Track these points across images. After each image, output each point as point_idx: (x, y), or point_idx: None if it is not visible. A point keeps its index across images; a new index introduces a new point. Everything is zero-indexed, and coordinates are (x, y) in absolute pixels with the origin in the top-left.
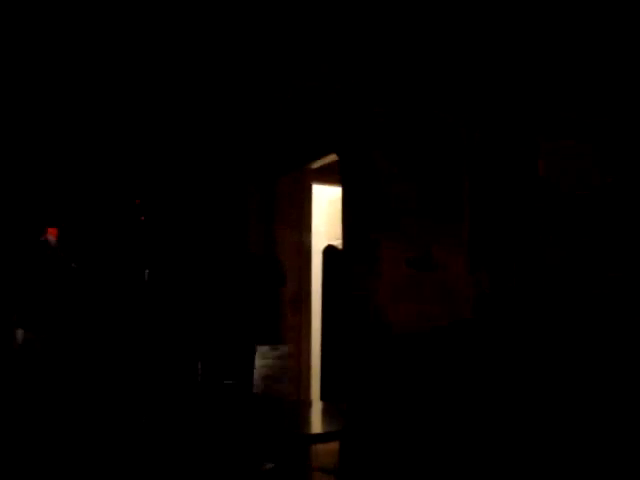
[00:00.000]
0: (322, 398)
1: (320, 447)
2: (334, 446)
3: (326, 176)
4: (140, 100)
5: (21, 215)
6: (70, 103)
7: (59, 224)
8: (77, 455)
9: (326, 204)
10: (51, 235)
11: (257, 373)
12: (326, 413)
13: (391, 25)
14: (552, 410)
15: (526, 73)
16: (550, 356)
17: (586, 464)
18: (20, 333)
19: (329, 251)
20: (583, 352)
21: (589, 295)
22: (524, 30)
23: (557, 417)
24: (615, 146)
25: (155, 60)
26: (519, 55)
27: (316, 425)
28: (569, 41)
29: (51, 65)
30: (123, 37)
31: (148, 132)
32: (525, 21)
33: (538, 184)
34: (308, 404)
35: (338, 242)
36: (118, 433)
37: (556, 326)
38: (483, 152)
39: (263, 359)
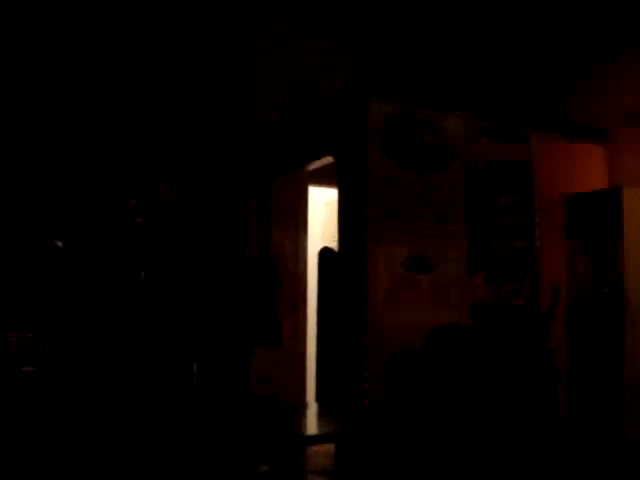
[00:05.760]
0: (317, 400)
1: (316, 449)
2: (329, 448)
3: (322, 178)
4: (136, 101)
5: (17, 218)
6: (66, 103)
7: (56, 227)
8: (72, 454)
9: (322, 206)
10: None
11: (253, 375)
12: (321, 415)
13: (388, 26)
14: (548, 417)
15: (520, 73)
16: (546, 361)
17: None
18: (15, 336)
19: (325, 253)
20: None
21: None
22: (521, 31)
23: (552, 424)
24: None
25: (151, 61)
26: (512, 55)
27: (312, 427)
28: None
29: (45, 67)
30: (116, 39)
31: (145, 133)
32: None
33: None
34: (304, 406)
35: (334, 244)
36: (114, 433)
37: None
38: (479, 152)
39: (260, 361)
